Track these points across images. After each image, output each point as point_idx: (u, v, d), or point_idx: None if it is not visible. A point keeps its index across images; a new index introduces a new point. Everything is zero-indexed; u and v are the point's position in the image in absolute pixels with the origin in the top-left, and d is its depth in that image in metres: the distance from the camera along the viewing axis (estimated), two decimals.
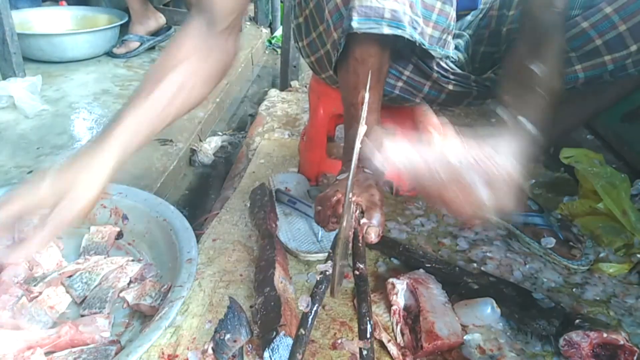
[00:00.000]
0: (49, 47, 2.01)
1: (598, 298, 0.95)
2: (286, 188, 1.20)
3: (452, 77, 0.92)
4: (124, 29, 2.24)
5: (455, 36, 0.95)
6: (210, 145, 1.60)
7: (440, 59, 0.89)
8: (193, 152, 1.56)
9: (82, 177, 0.70)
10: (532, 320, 0.84)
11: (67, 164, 0.71)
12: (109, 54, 2.19)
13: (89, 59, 2.13)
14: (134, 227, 1.05)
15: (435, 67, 0.91)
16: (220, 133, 1.78)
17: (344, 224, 0.63)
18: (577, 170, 1.19)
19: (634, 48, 0.85)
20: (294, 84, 2.10)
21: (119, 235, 1.03)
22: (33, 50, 2.01)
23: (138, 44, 2.22)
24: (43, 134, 1.49)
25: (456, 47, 0.94)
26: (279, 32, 2.75)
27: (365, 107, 0.53)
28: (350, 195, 0.53)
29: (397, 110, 1.16)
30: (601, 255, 1.06)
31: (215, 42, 0.80)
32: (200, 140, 1.62)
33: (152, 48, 2.28)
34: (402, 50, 0.91)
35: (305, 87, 2.05)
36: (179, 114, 0.79)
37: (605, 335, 0.77)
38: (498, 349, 0.82)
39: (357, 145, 0.52)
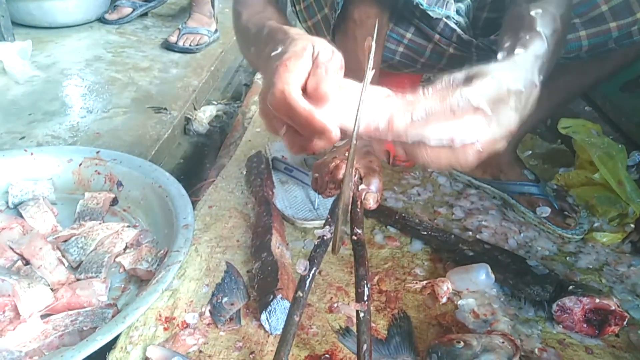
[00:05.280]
0: (38, 12, 1.96)
1: (591, 266, 0.96)
2: (283, 156, 1.19)
3: (454, 39, 0.91)
4: None
5: (456, 0, 0.93)
6: (205, 114, 1.58)
7: (442, 18, 0.87)
8: (188, 120, 1.54)
9: None
10: (526, 286, 0.85)
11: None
12: (101, 19, 2.13)
13: (80, 24, 2.07)
14: (129, 193, 1.04)
15: (437, 28, 0.90)
16: (214, 102, 1.75)
17: (345, 187, 0.62)
18: (575, 141, 1.19)
19: None
20: None
21: (114, 201, 1.03)
22: (22, 15, 1.95)
23: (130, 9, 2.16)
24: (35, 100, 1.46)
25: (457, 12, 0.91)
26: None
27: (372, 56, 0.50)
28: (354, 145, 0.51)
29: (396, 77, 1.15)
30: (595, 224, 1.06)
31: None
32: (195, 109, 1.60)
33: (144, 14, 2.23)
34: (403, 12, 0.89)
35: None
36: None
37: (597, 300, 0.79)
38: (492, 314, 0.83)
39: (364, 92, 0.49)
